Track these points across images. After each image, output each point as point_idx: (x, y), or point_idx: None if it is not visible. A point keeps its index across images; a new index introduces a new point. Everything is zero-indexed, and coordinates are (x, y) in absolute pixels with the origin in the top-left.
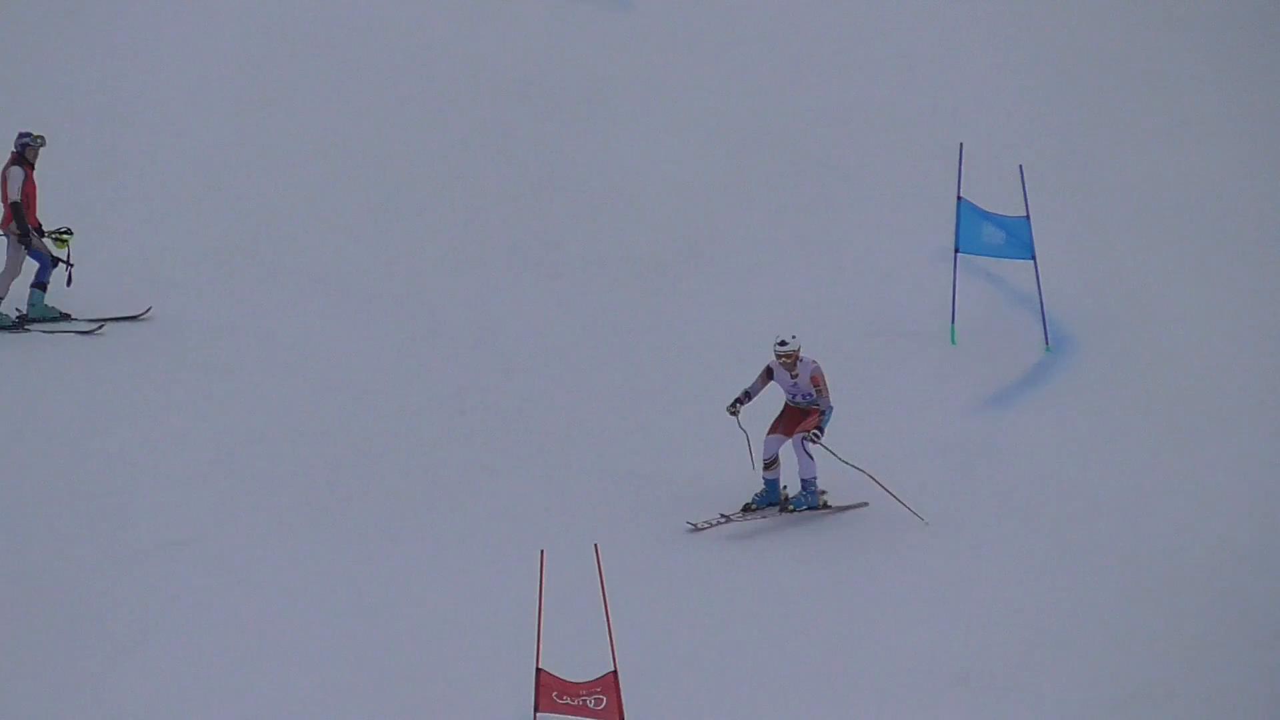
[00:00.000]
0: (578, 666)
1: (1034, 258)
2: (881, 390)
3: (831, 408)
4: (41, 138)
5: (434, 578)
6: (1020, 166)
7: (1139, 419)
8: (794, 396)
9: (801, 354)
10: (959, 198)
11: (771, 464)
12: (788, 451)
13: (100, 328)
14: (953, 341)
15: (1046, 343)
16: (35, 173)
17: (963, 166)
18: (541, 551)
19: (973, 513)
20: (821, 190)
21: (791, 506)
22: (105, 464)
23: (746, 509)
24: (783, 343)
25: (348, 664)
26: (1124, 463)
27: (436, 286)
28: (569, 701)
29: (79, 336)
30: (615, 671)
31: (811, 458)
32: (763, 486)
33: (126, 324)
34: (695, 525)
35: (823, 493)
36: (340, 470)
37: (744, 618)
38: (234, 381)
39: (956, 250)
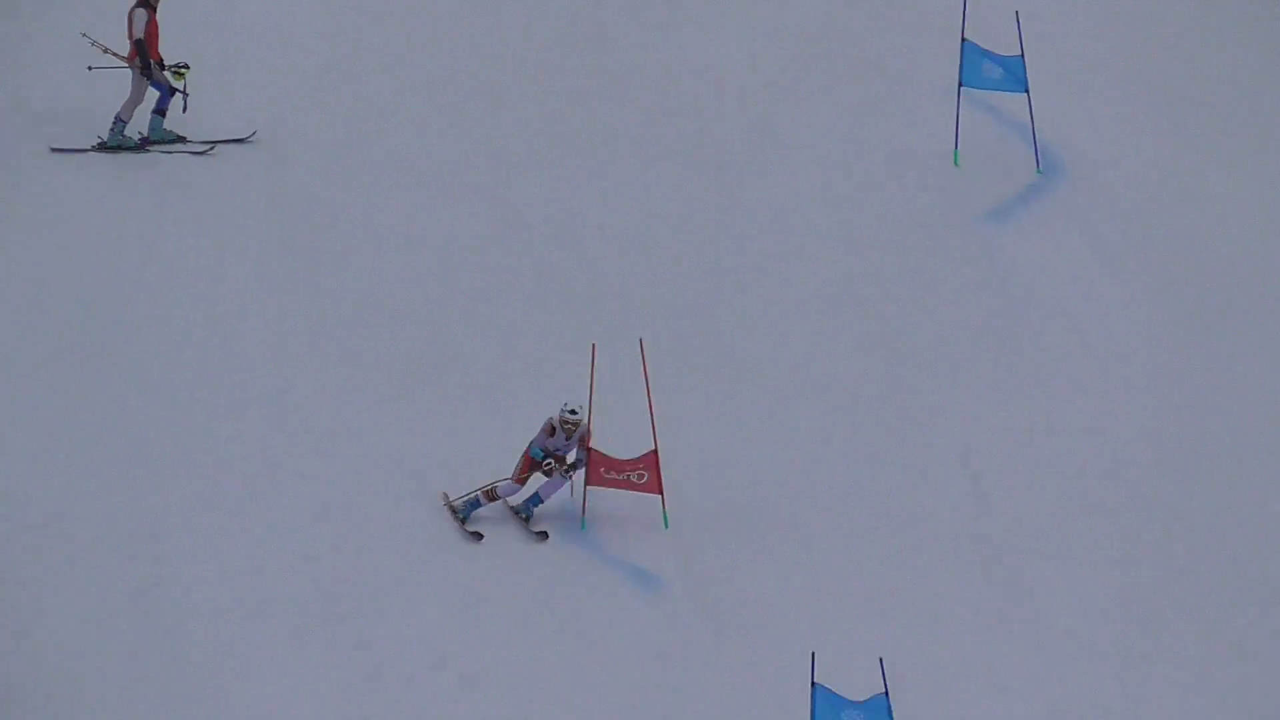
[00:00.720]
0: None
1: (1028, 91)
2: (894, 205)
3: (583, 462)
4: None
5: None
6: (1016, 11)
7: (1119, 231)
8: (560, 451)
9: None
10: (963, 39)
11: (494, 500)
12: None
13: (212, 149)
14: (956, 163)
15: (1038, 166)
16: (157, 15)
17: (967, 10)
18: (593, 345)
19: (984, 322)
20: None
21: (521, 511)
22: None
23: (452, 506)
24: (573, 411)
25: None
26: (1108, 270)
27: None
28: (615, 476)
29: (192, 156)
30: (655, 451)
31: (552, 490)
32: (473, 498)
33: (235, 146)
34: (468, 530)
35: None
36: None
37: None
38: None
39: (960, 85)
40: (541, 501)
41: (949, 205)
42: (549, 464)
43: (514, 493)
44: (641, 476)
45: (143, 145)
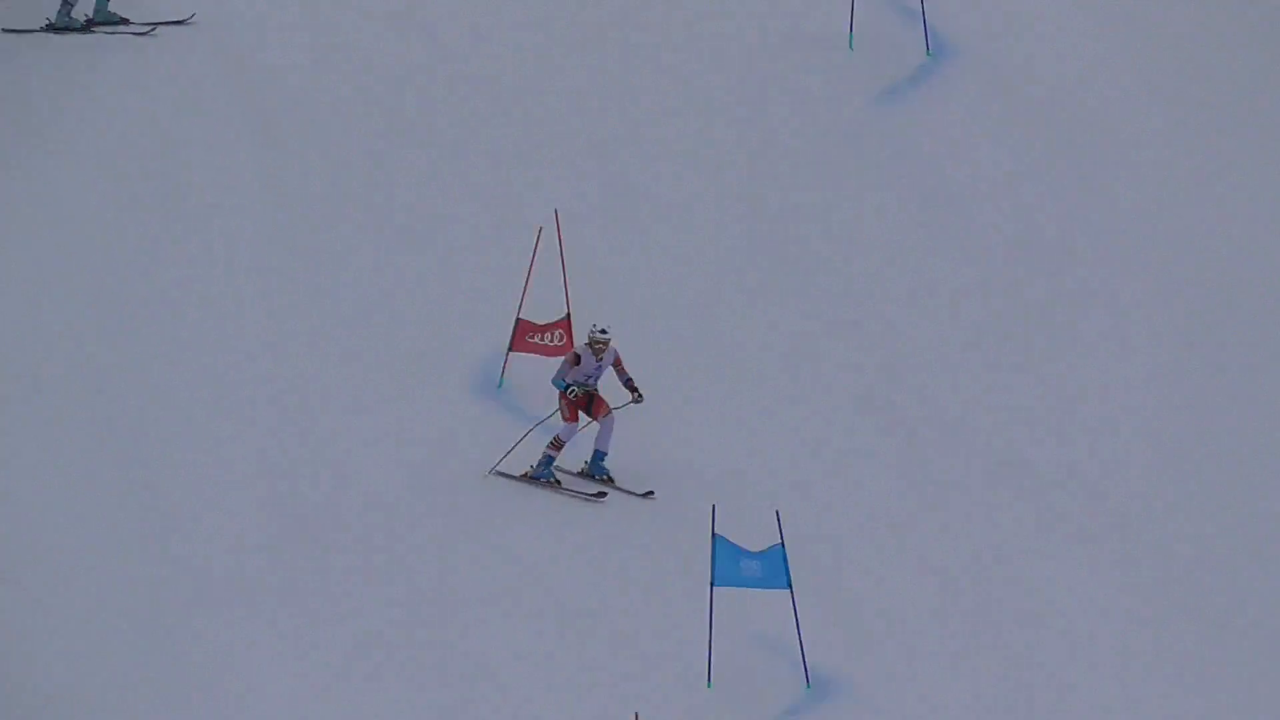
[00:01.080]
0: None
1: None
2: (791, 87)
3: (629, 377)
4: None
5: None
6: None
7: (1004, 109)
8: (590, 379)
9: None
10: None
11: (561, 447)
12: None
13: (153, 30)
14: (850, 47)
15: (928, 49)
16: None
17: None
18: (546, 223)
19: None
20: None
21: (595, 475)
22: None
23: (526, 476)
24: (603, 330)
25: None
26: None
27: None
28: (535, 340)
29: (135, 36)
30: (569, 316)
31: (607, 438)
32: (544, 457)
33: (175, 28)
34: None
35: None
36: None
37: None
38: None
39: None
40: (605, 454)
41: (844, 86)
42: (572, 390)
43: (573, 432)
44: (560, 338)
45: (88, 26)
